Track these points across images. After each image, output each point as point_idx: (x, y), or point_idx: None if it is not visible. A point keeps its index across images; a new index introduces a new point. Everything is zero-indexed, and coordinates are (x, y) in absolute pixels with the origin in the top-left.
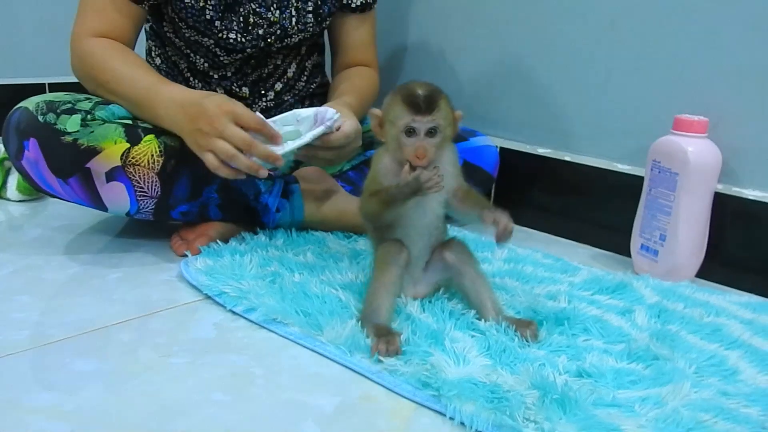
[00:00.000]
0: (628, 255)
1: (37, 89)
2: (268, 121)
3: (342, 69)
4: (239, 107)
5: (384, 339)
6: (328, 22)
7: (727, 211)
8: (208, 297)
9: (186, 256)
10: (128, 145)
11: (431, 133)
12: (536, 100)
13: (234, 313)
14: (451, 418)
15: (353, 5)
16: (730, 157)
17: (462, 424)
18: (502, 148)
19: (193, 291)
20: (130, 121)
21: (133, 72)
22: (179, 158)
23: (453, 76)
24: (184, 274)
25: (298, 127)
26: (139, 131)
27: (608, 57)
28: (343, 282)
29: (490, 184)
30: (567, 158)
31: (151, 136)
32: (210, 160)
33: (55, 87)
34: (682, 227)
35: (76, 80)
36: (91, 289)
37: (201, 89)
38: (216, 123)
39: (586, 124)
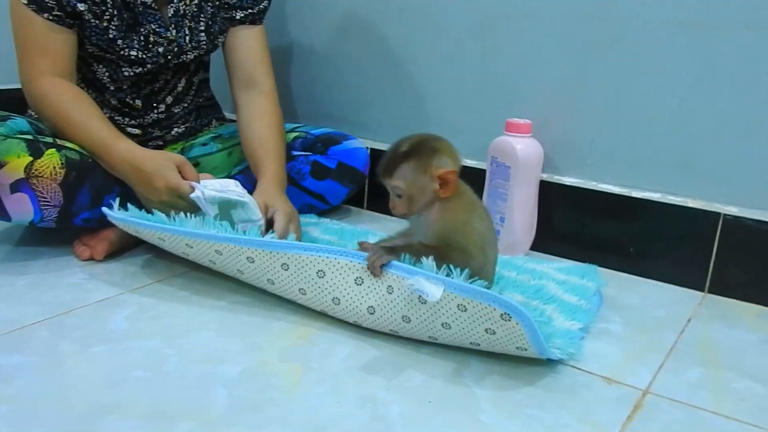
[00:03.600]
0: None
1: None
2: (204, 186)
3: (239, 87)
4: (182, 185)
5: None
6: (221, 40)
7: (551, 196)
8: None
9: (91, 259)
10: (31, 158)
11: (395, 193)
12: (401, 106)
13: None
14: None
15: (238, 17)
16: (551, 152)
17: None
18: (372, 149)
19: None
20: (30, 136)
21: (87, 123)
22: (80, 169)
23: (328, 83)
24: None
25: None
26: (41, 145)
27: (458, 70)
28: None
29: (363, 180)
30: None
31: (52, 150)
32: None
33: None
34: (517, 210)
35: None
36: (2, 296)
37: (95, 99)
38: (162, 196)
39: (441, 126)
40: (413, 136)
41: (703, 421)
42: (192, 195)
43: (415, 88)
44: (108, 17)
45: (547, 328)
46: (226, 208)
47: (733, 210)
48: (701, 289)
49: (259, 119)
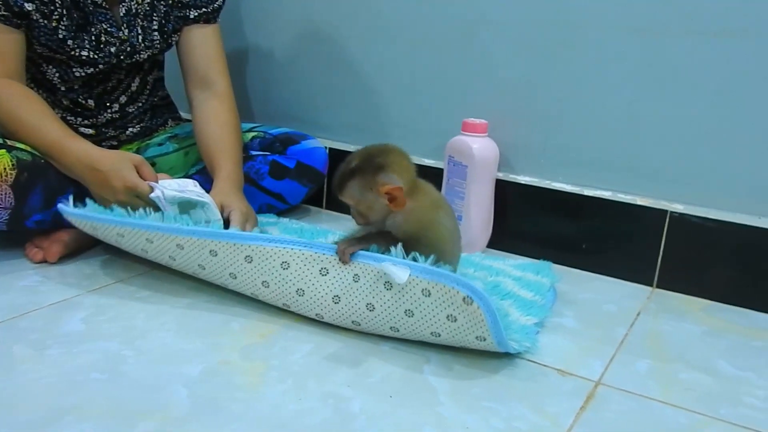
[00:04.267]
0: None
1: None
2: (162, 186)
3: (194, 86)
4: (140, 185)
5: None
6: (175, 39)
7: (506, 194)
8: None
9: (45, 262)
10: None
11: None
12: (359, 106)
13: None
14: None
15: (192, 16)
16: (506, 152)
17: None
18: (330, 149)
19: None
20: None
21: (39, 123)
22: (32, 170)
23: (285, 84)
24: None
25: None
26: None
27: (413, 71)
28: None
29: (322, 180)
30: None
31: (2, 151)
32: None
33: None
34: (473, 209)
35: None
36: None
37: (46, 99)
38: (119, 196)
39: (399, 126)
40: (366, 149)
41: (652, 411)
42: (152, 195)
43: (372, 89)
44: (57, 17)
45: (505, 320)
46: (185, 209)
47: (679, 207)
48: (650, 284)
49: (214, 119)
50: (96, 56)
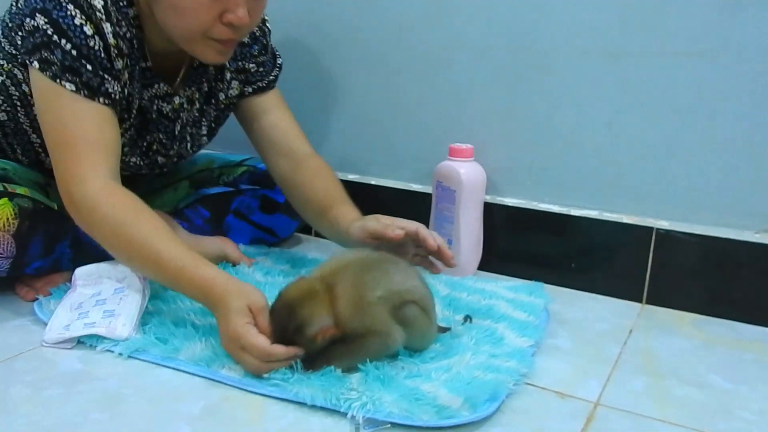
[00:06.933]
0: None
1: None
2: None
3: (278, 157)
4: (251, 338)
5: None
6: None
7: (495, 217)
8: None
9: (36, 299)
10: None
11: None
12: (345, 134)
13: (94, 347)
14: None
15: (249, 91)
16: (493, 175)
17: (303, 403)
18: None
19: None
20: None
21: (158, 247)
22: (32, 218)
23: None
24: (39, 316)
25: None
26: None
27: (396, 98)
28: (193, 308)
29: None
30: (373, 182)
31: (4, 200)
32: None
33: None
34: (463, 232)
35: None
36: None
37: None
38: (230, 347)
39: (385, 153)
40: (283, 302)
41: (651, 429)
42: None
43: (357, 117)
44: (126, 126)
45: (499, 348)
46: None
47: (664, 224)
48: (639, 301)
49: (320, 176)
50: (142, 163)
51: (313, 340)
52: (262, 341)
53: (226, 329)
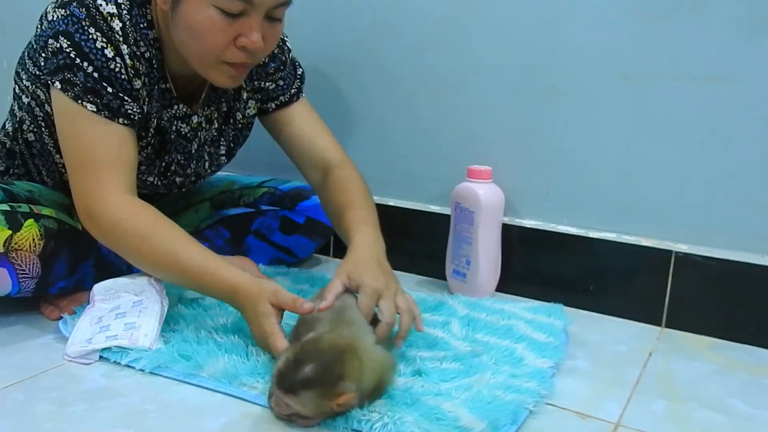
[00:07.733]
0: (444, 279)
1: None
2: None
3: (312, 170)
4: (275, 340)
5: None
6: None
7: (513, 238)
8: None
9: (61, 318)
10: (10, 232)
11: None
12: (363, 157)
13: (117, 363)
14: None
15: (272, 107)
16: (511, 196)
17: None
18: None
19: None
20: (8, 207)
21: (181, 254)
22: (57, 238)
23: None
24: (64, 333)
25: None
26: (19, 216)
27: (414, 120)
28: (215, 325)
29: (330, 235)
30: (391, 203)
31: (30, 221)
32: None
33: None
34: (481, 253)
35: None
36: None
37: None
38: (262, 344)
39: (403, 174)
40: (321, 348)
41: None
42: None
43: (376, 139)
44: (144, 144)
45: (519, 368)
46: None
47: (683, 247)
48: (658, 324)
49: (350, 185)
50: (159, 183)
51: (326, 404)
52: (280, 346)
53: (254, 330)
